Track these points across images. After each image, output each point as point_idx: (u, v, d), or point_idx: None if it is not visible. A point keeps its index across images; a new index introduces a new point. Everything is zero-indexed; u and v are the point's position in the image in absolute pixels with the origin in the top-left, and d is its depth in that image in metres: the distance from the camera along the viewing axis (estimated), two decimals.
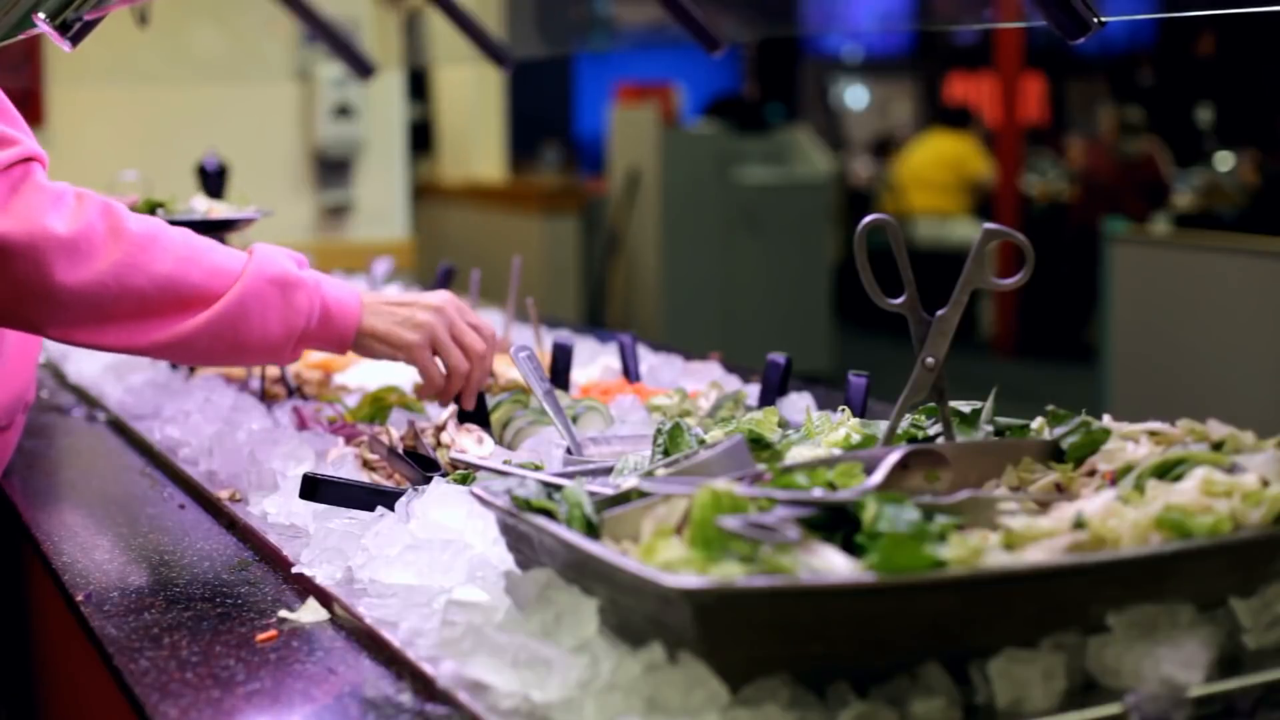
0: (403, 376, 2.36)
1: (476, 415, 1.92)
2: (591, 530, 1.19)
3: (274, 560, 1.61)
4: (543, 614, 1.16)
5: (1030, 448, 1.38)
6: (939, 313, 1.36)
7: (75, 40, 2.01)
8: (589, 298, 8.58)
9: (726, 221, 8.29)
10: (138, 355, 1.80)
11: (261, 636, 1.39)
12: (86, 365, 2.79)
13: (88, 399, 2.61)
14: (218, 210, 2.36)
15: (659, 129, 8.30)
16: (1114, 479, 1.29)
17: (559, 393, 2.00)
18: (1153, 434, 1.36)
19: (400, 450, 1.75)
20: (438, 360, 1.88)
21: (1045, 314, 9.45)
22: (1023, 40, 10.23)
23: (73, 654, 1.76)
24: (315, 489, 1.60)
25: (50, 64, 4.85)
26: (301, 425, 2.00)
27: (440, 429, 1.83)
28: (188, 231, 1.75)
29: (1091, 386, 6.29)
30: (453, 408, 1.98)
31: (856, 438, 1.47)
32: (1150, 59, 13.48)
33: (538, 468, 1.52)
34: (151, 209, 2.24)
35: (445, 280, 3.12)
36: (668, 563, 1.05)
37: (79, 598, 1.54)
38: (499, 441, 1.92)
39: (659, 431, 1.48)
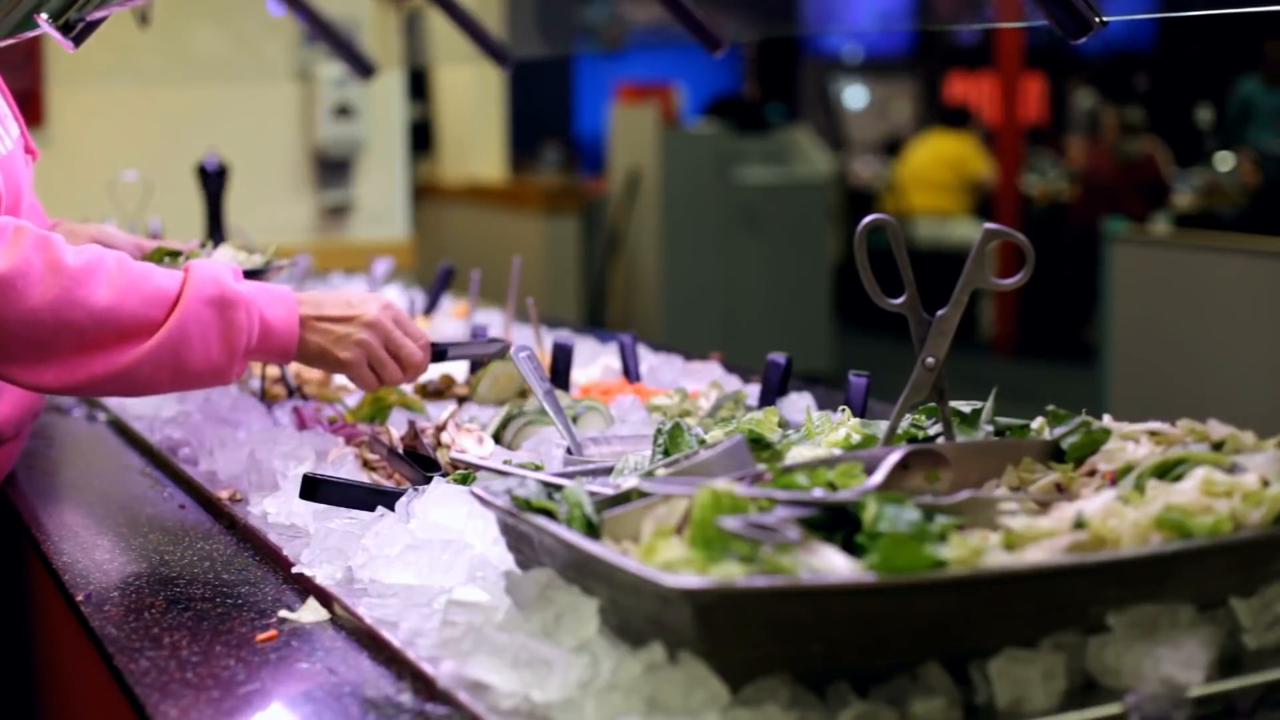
0: None
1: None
2: (591, 530, 1.19)
3: (274, 560, 1.61)
4: (543, 614, 1.16)
5: (1030, 448, 1.38)
6: (939, 313, 1.36)
7: (78, 41, 2.01)
8: (589, 298, 8.58)
9: (726, 221, 8.29)
10: (77, 393, 1.74)
11: (261, 636, 1.39)
12: None
13: (88, 399, 2.61)
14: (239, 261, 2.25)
15: (659, 129, 8.29)
16: (1114, 479, 1.29)
17: (559, 393, 2.00)
18: (1153, 434, 1.36)
19: (400, 450, 1.75)
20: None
21: (1045, 314, 9.45)
22: (1023, 40, 10.23)
23: (73, 654, 1.76)
24: (315, 489, 1.60)
25: (51, 64, 4.85)
26: (301, 425, 2.00)
27: (440, 429, 1.83)
28: (123, 257, 1.71)
29: (1091, 386, 6.29)
30: (453, 405, 1.98)
31: (856, 438, 1.47)
32: (1144, 61, 13.48)
33: (538, 468, 1.52)
34: (160, 258, 2.20)
35: (445, 280, 3.13)
36: (668, 563, 1.05)
37: (79, 598, 1.54)
38: (499, 441, 1.92)
39: (659, 431, 1.48)
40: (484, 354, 2.05)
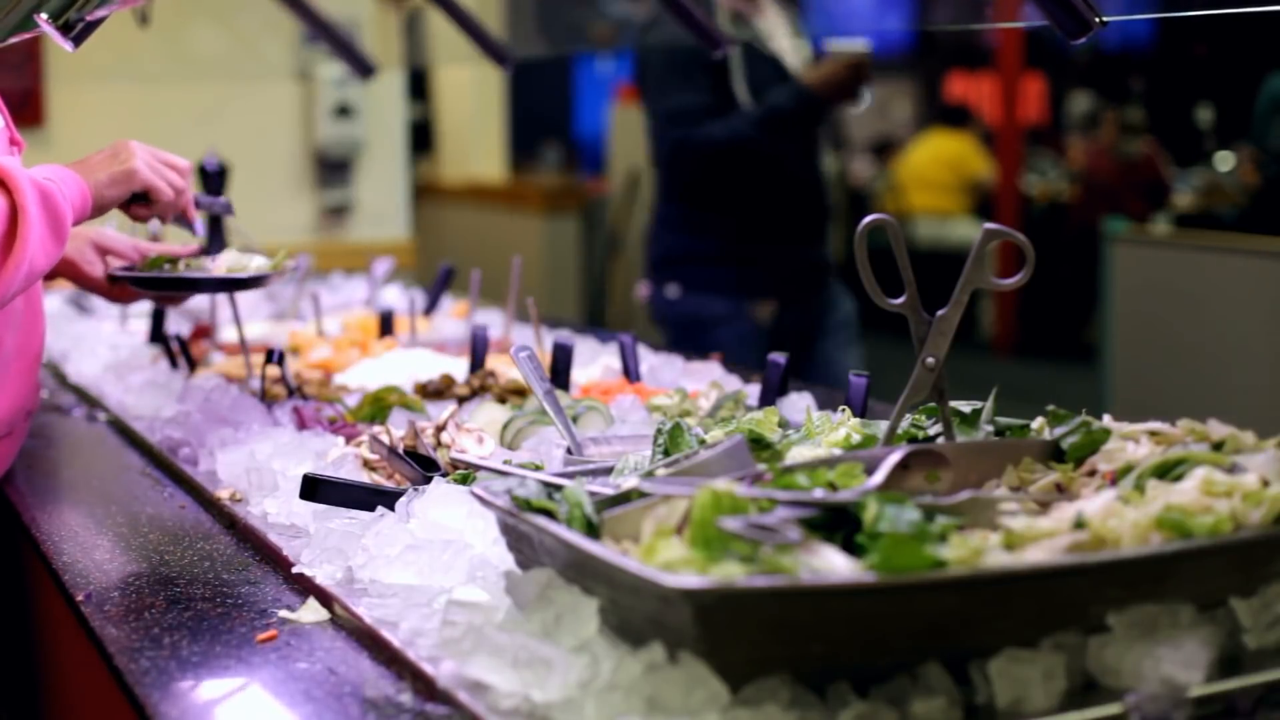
0: (403, 376, 2.37)
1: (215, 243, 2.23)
2: (592, 530, 1.19)
3: (274, 560, 1.61)
4: (543, 614, 1.16)
5: (1030, 448, 1.38)
6: (939, 313, 1.36)
7: (78, 41, 2.01)
8: (589, 298, 8.57)
9: None
10: None
11: (261, 636, 1.39)
12: (86, 365, 2.80)
13: (88, 399, 2.61)
14: (244, 267, 2.22)
15: None
16: (1114, 479, 1.29)
17: (559, 393, 2.00)
18: (1153, 434, 1.36)
19: (400, 450, 1.75)
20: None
21: (1045, 314, 9.45)
22: (1023, 40, 10.23)
23: (73, 654, 1.76)
24: (315, 489, 1.60)
25: (51, 64, 4.85)
26: (301, 425, 2.00)
27: (440, 429, 1.83)
28: None
29: (1091, 386, 6.28)
30: (453, 405, 1.98)
31: (857, 438, 1.47)
32: (1144, 61, 13.47)
33: (538, 468, 1.52)
34: (160, 265, 2.20)
35: (445, 280, 3.13)
36: (668, 563, 1.05)
37: (79, 598, 1.54)
38: (499, 442, 1.92)
39: (659, 431, 1.48)
40: (220, 210, 2.23)
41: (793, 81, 3.89)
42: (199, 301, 3.14)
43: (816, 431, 1.51)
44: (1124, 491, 1.22)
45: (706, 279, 3.92)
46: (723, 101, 3.87)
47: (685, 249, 3.98)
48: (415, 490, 1.53)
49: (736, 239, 3.92)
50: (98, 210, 1.95)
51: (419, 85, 9.23)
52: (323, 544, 1.52)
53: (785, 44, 3.97)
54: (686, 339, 3.80)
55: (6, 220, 1.75)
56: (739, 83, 3.88)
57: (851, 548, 1.09)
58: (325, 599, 1.45)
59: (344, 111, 5.42)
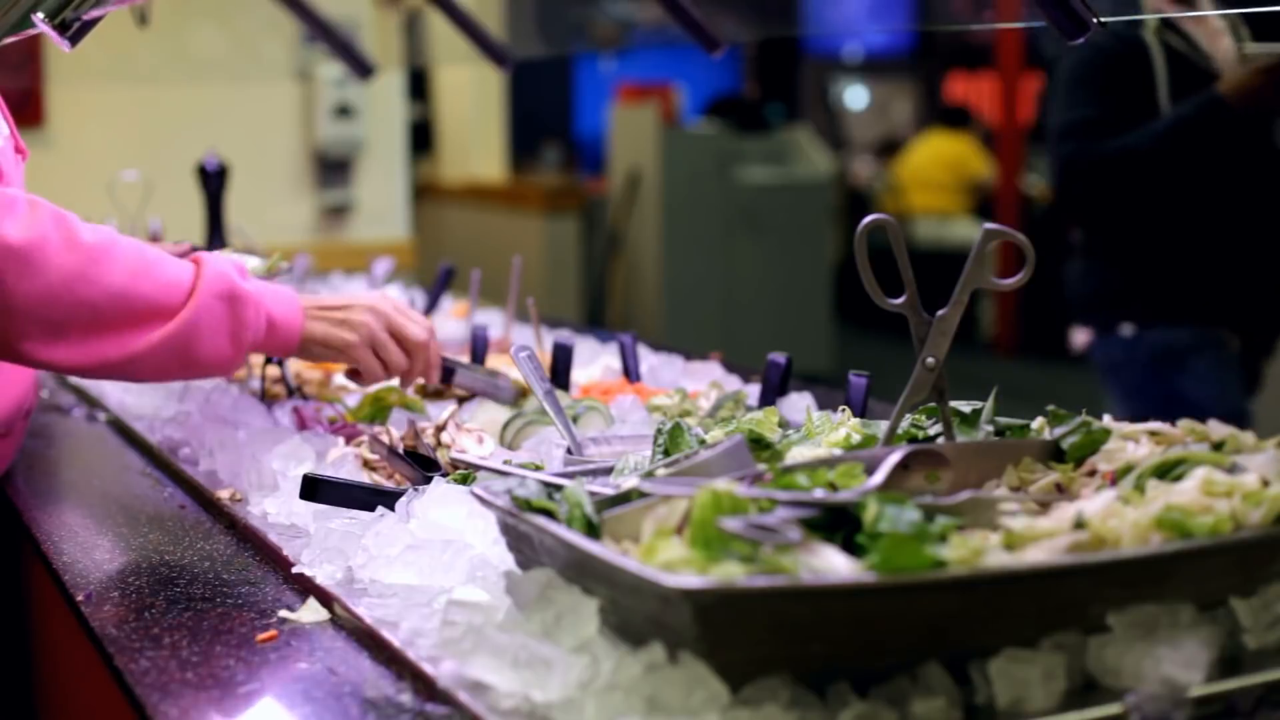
0: None
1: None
2: (592, 530, 1.19)
3: (274, 560, 1.61)
4: (543, 614, 1.16)
5: (1031, 448, 1.38)
6: (939, 313, 1.36)
7: (74, 40, 2.01)
8: (589, 298, 8.58)
9: (726, 221, 8.29)
10: (87, 375, 1.76)
11: (261, 636, 1.39)
12: None
13: (88, 399, 2.61)
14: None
15: (659, 129, 8.30)
16: (1114, 479, 1.29)
17: (559, 393, 2.00)
18: (1153, 434, 1.36)
19: (400, 450, 1.75)
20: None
21: (1045, 314, 9.45)
22: (1023, 40, 10.23)
23: (73, 654, 1.76)
24: (315, 489, 1.60)
25: (50, 64, 4.85)
26: (301, 425, 2.00)
27: (440, 429, 1.83)
28: (137, 240, 1.74)
29: (1091, 386, 6.28)
30: (453, 405, 1.98)
31: (857, 438, 1.47)
32: None
33: (538, 468, 1.52)
34: None
35: (445, 280, 3.13)
36: (668, 563, 1.05)
37: (79, 598, 1.54)
38: (499, 442, 1.92)
39: (659, 431, 1.48)
40: (490, 394, 2.09)
41: (1208, 89, 3.33)
42: None
43: (816, 431, 1.51)
44: (1124, 491, 1.22)
45: (1167, 306, 3.48)
46: (1138, 113, 3.41)
47: (1132, 278, 3.56)
48: (415, 490, 1.53)
49: (1190, 258, 3.46)
50: (301, 354, 1.88)
51: (419, 85, 9.23)
52: (323, 544, 1.52)
53: (1225, 50, 3.38)
54: (1155, 379, 3.47)
55: (183, 295, 1.72)
56: (1163, 93, 3.42)
57: (851, 548, 1.09)
58: (325, 599, 1.45)
59: (344, 111, 5.43)
